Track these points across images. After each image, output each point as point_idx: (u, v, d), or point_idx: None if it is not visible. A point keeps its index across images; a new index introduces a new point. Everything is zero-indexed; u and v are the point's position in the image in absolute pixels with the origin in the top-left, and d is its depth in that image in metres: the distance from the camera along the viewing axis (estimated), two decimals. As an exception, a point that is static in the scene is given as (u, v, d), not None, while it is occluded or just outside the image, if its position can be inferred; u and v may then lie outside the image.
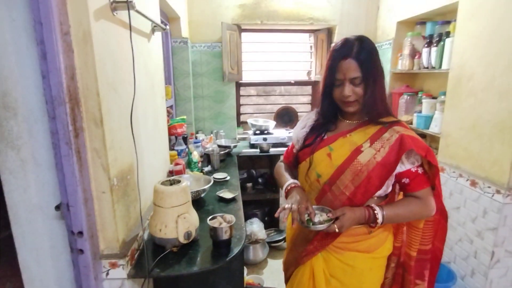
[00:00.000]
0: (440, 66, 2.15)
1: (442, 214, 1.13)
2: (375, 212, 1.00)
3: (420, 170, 1.03)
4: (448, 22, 2.18)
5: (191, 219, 1.18)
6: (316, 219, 1.00)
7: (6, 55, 0.88)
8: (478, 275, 1.78)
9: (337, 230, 0.97)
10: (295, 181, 1.14)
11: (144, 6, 1.42)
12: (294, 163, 1.21)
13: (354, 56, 0.98)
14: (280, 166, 1.28)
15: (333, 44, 1.07)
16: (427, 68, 2.28)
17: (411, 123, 2.47)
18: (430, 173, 1.05)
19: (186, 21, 2.81)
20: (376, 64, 1.01)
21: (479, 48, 1.77)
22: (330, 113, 1.14)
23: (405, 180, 1.04)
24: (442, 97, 2.13)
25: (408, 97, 2.55)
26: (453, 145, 1.98)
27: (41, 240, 1.01)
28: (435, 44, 2.19)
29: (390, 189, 1.08)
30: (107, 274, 1.04)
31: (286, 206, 1.00)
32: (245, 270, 2.27)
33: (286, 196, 1.11)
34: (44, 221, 0.99)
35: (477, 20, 1.78)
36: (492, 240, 1.67)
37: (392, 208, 1.02)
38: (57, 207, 0.96)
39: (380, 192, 1.05)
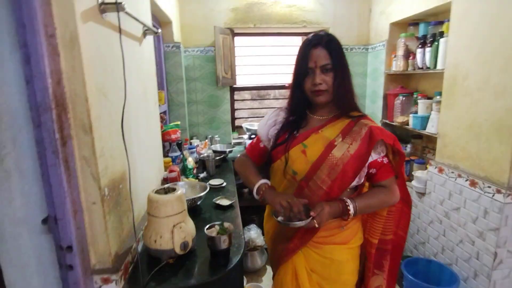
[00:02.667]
0: (435, 66, 2.15)
1: (405, 202, 1.18)
2: (347, 204, 1.03)
3: (385, 160, 1.09)
4: (441, 23, 2.18)
5: (188, 229, 1.12)
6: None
7: (-13, 60, 0.83)
8: (481, 277, 1.75)
9: (317, 225, 0.99)
10: (266, 181, 1.16)
11: (135, 8, 1.37)
12: (260, 160, 1.23)
13: (324, 44, 1.04)
14: (245, 161, 1.27)
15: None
16: (422, 68, 2.28)
17: (407, 124, 2.46)
18: (395, 162, 1.11)
19: (178, 26, 2.77)
20: (343, 56, 1.08)
21: (473, 47, 1.77)
22: (300, 108, 1.16)
23: (372, 171, 1.09)
24: (438, 97, 2.13)
25: (404, 98, 2.54)
26: (450, 145, 1.97)
27: (28, 256, 0.95)
28: (429, 45, 2.18)
29: (362, 180, 1.12)
30: (99, 290, 0.98)
31: (285, 204, 1.02)
32: (244, 279, 2.21)
33: (261, 197, 1.12)
34: (30, 236, 0.93)
35: (471, 19, 1.78)
36: (494, 241, 1.65)
37: (362, 200, 1.07)
38: (44, 221, 0.90)
39: (353, 184, 1.09)
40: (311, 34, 1.10)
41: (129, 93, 1.14)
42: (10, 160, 0.88)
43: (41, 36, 0.78)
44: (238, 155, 1.34)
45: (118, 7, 0.97)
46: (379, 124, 1.14)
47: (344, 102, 1.09)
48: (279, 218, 1.04)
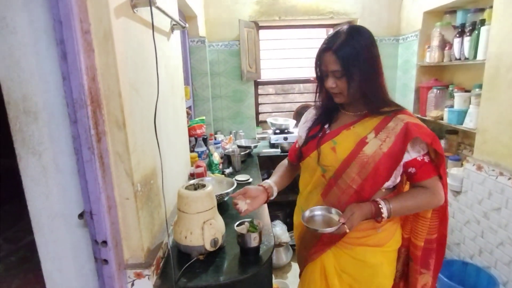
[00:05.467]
0: (474, 57, 2.01)
1: (446, 202, 1.10)
2: (380, 206, 0.97)
3: (426, 159, 1.01)
4: (482, 10, 2.03)
5: (217, 225, 1.11)
6: (319, 218, 1.01)
7: (26, 58, 0.84)
8: (523, 282, 1.64)
9: (347, 231, 0.94)
10: (269, 182, 1.17)
11: (164, 3, 1.36)
12: (297, 160, 1.20)
13: (334, 50, 0.96)
14: (279, 166, 1.30)
15: None
16: (460, 59, 2.14)
17: (442, 119, 2.33)
18: (437, 162, 1.02)
19: (203, 20, 2.76)
20: (360, 58, 0.96)
21: (520, 35, 1.63)
22: (331, 104, 1.11)
23: (412, 170, 1.01)
24: (477, 90, 1.99)
25: (438, 91, 2.41)
26: (491, 141, 1.84)
27: (64, 249, 0.97)
28: (468, 34, 2.04)
29: (398, 179, 1.06)
30: (132, 285, 0.99)
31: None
32: (269, 274, 2.19)
33: None
34: (67, 230, 0.95)
35: (518, 6, 1.64)
36: (541, 245, 1.53)
37: (398, 201, 1.00)
38: (80, 215, 0.91)
39: (389, 184, 1.03)
40: (331, 32, 1.03)
41: (159, 88, 1.14)
42: (47, 156, 0.90)
43: (77, 33, 0.78)
44: None
45: (151, 2, 0.96)
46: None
47: (371, 102, 1.02)
48: (308, 223, 0.99)
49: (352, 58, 0.95)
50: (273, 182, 1.17)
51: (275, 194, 1.17)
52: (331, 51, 0.97)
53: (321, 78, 1.05)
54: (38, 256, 0.99)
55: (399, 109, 1.04)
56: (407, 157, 1.00)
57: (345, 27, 1.01)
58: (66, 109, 0.84)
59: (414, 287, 1.14)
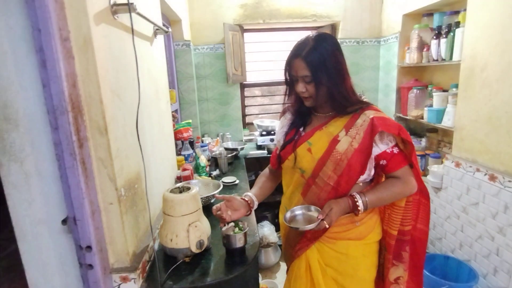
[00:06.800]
0: (450, 58, 2.08)
1: (422, 193, 1.15)
2: (355, 200, 1.02)
3: (395, 150, 1.06)
4: (457, 12, 2.11)
5: (203, 227, 1.13)
6: (300, 217, 1.06)
7: (5, 65, 0.84)
8: (501, 273, 1.71)
9: (327, 226, 0.99)
10: (249, 194, 1.20)
11: (146, 8, 1.37)
12: (277, 165, 1.23)
13: (304, 56, 1.01)
14: (261, 174, 1.34)
15: None
16: (437, 60, 2.22)
17: (422, 118, 2.41)
18: (406, 151, 1.07)
19: (187, 24, 2.77)
20: (327, 63, 1.01)
21: (492, 37, 1.70)
22: (303, 108, 1.15)
23: (383, 162, 1.06)
24: (454, 89, 2.07)
25: (418, 91, 2.48)
26: (468, 139, 1.92)
27: (49, 256, 0.97)
28: (444, 36, 2.12)
29: (373, 172, 1.10)
30: (118, 288, 0.99)
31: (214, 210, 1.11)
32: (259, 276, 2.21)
33: None
34: (50, 236, 0.95)
35: (489, 8, 1.71)
36: (515, 237, 1.60)
37: (373, 193, 1.04)
38: (64, 221, 0.92)
39: (365, 177, 1.07)
40: (301, 39, 1.07)
41: (142, 93, 1.15)
42: (29, 163, 0.90)
43: (56, 40, 0.78)
44: None
45: (130, 8, 0.97)
46: (393, 118, 1.11)
47: (338, 104, 1.07)
48: (290, 223, 1.03)
49: (320, 63, 1.00)
50: (253, 195, 1.21)
51: (255, 206, 1.21)
52: (300, 58, 1.01)
53: (291, 82, 1.11)
54: (23, 266, 0.98)
55: (366, 105, 1.09)
56: (377, 150, 1.05)
57: (312, 34, 1.06)
58: (47, 116, 0.85)
59: (386, 277, 1.18)
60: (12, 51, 0.83)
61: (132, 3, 0.99)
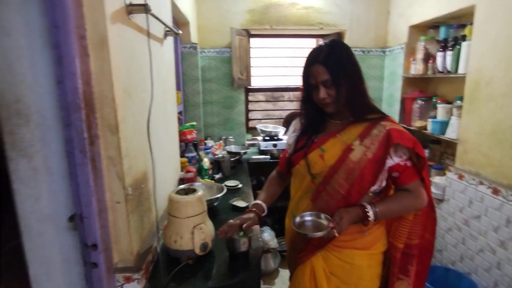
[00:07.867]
0: (456, 71, 2.10)
1: (430, 205, 1.14)
2: (366, 210, 1.01)
3: (409, 163, 1.06)
4: (463, 26, 2.13)
5: (207, 230, 1.13)
6: (309, 224, 1.05)
7: (20, 60, 0.85)
8: (501, 287, 1.70)
9: (337, 235, 0.99)
10: (259, 202, 1.22)
11: (158, 10, 1.38)
12: (287, 169, 1.23)
13: (321, 61, 1.03)
14: (270, 179, 1.34)
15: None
16: (442, 72, 2.23)
17: (425, 129, 2.41)
18: (419, 165, 1.07)
19: (195, 27, 2.79)
20: (345, 65, 1.05)
21: (497, 51, 1.72)
22: (317, 115, 1.16)
23: (395, 174, 1.06)
24: (459, 102, 2.08)
25: (422, 102, 2.49)
26: (472, 152, 1.92)
27: (53, 253, 0.96)
28: (450, 48, 2.14)
29: (384, 183, 1.10)
30: (121, 288, 0.99)
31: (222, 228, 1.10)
32: (256, 280, 2.20)
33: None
34: (56, 233, 0.94)
35: (495, 23, 1.73)
36: (517, 251, 1.60)
37: (384, 204, 1.04)
38: (70, 218, 0.91)
39: (375, 188, 1.07)
40: (312, 49, 1.09)
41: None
42: (38, 158, 0.90)
43: (73, 38, 0.79)
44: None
45: (146, 9, 0.98)
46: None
47: (356, 108, 1.08)
48: (299, 228, 1.03)
49: (338, 66, 1.03)
50: (262, 202, 1.22)
51: (265, 212, 1.21)
52: (318, 63, 1.03)
53: (308, 91, 1.11)
54: (22, 262, 0.98)
55: (383, 117, 1.09)
56: (390, 162, 1.05)
57: (324, 42, 1.08)
58: (59, 112, 0.85)
59: None
60: (27, 47, 0.84)
61: (147, 4, 1.00)
